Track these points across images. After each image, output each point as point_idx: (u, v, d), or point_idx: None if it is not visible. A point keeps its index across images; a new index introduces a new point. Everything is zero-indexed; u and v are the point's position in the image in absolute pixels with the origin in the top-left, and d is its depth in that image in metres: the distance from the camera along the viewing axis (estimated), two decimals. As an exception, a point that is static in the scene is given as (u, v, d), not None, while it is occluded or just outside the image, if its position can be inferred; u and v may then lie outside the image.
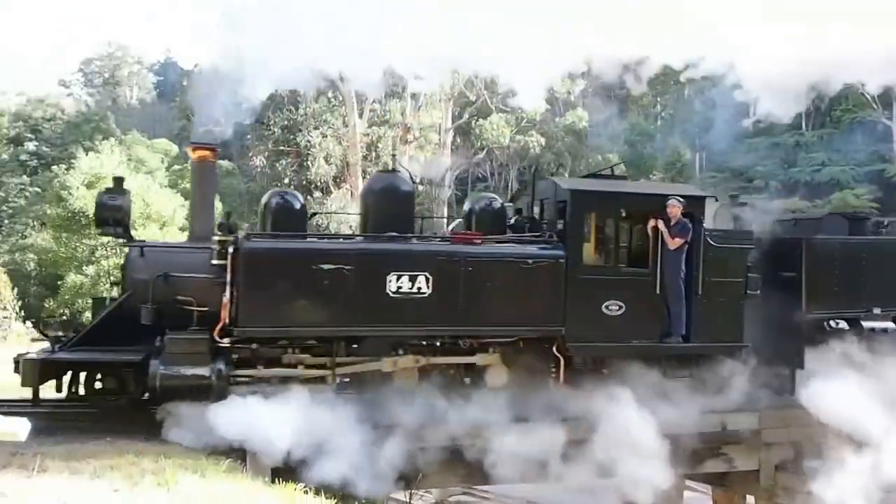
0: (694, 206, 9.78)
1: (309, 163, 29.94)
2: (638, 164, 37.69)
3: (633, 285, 9.54)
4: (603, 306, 9.38)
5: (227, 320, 8.25)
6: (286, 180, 30.63)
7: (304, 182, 30.45)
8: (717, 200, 10.84)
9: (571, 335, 9.22)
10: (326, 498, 7.55)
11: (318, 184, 30.36)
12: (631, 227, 10.05)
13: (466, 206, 10.42)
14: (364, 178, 29.19)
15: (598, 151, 36.77)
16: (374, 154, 30.41)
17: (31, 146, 33.55)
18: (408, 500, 13.19)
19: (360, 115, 29.52)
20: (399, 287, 8.70)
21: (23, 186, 34.90)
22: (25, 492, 5.91)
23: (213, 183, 10.21)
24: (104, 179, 24.31)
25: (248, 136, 36.83)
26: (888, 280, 11.17)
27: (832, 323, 10.99)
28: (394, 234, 9.15)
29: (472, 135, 34.10)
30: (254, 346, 8.56)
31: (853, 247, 11.31)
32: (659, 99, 46.73)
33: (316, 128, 30.01)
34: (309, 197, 30.30)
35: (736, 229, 10.65)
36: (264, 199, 9.81)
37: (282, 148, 31.54)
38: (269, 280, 8.44)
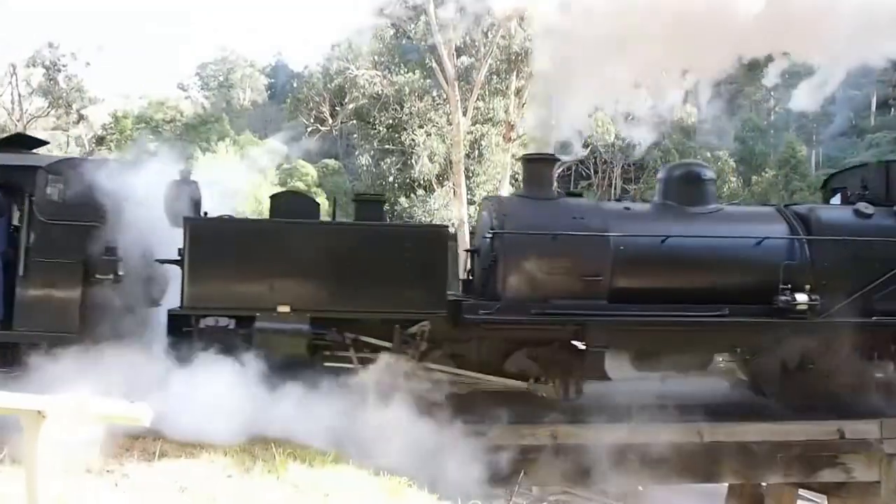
0: (19, 176, 8.72)
1: (413, 161, 30.28)
2: (749, 160, 36.33)
3: None
4: None
5: None
6: (390, 178, 31.12)
7: (408, 180, 30.83)
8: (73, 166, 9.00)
9: None
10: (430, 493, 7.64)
11: (422, 182, 30.68)
12: None
13: None
14: (468, 176, 29.31)
15: (707, 147, 35.66)
16: (477, 152, 30.48)
17: (152, 147, 35.34)
18: (509, 499, 13.16)
19: (464, 114, 29.63)
20: None
21: (145, 185, 36.49)
22: (147, 474, 6.23)
23: None
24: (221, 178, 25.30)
25: (354, 136, 37.64)
26: (308, 273, 8.93)
27: (213, 320, 8.80)
28: None
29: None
30: None
31: (251, 229, 9.26)
32: (773, 93, 44.89)
33: (420, 126, 30.31)
34: (412, 195, 30.70)
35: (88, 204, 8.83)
36: None
37: (387, 146, 32.04)
38: None
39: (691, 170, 10.70)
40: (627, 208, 10.44)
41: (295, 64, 67.67)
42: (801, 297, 9.51)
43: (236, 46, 76.40)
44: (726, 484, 12.42)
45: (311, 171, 35.41)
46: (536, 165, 10.17)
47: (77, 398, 4.48)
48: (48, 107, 36.64)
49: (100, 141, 37.02)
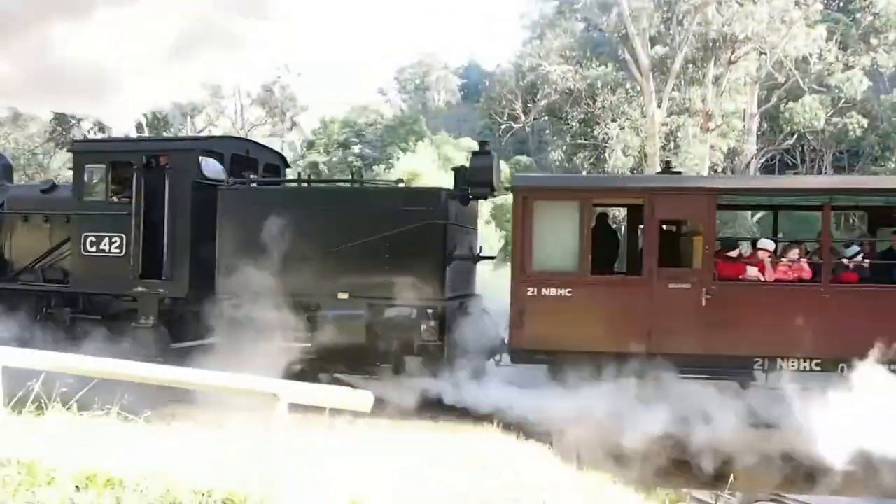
0: None
1: (607, 155, 30.05)
2: None
3: None
4: None
5: None
6: (584, 173, 31.04)
7: (602, 174, 30.58)
8: None
9: None
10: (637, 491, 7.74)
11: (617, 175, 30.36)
12: None
13: None
14: (662, 168, 28.69)
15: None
16: (673, 143, 29.72)
17: (356, 149, 37.64)
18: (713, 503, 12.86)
19: (659, 105, 29.01)
20: None
21: (349, 185, 39.07)
22: (366, 453, 6.85)
23: None
24: (419, 176, 26.64)
25: (547, 131, 37.82)
26: None
27: None
28: None
29: (781, 119, 31.83)
30: None
31: None
32: None
33: (614, 119, 30.02)
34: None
35: None
36: None
37: (579, 141, 32.01)
38: None
39: None
40: None
41: (487, 63, 68.88)
42: None
43: (432, 49, 79.00)
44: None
45: (503, 167, 36.05)
46: None
47: (307, 384, 4.99)
48: (265, 115, 40.23)
49: (310, 145, 39.99)
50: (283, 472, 4.59)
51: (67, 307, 11.63)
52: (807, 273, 9.82)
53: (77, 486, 4.68)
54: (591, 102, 30.90)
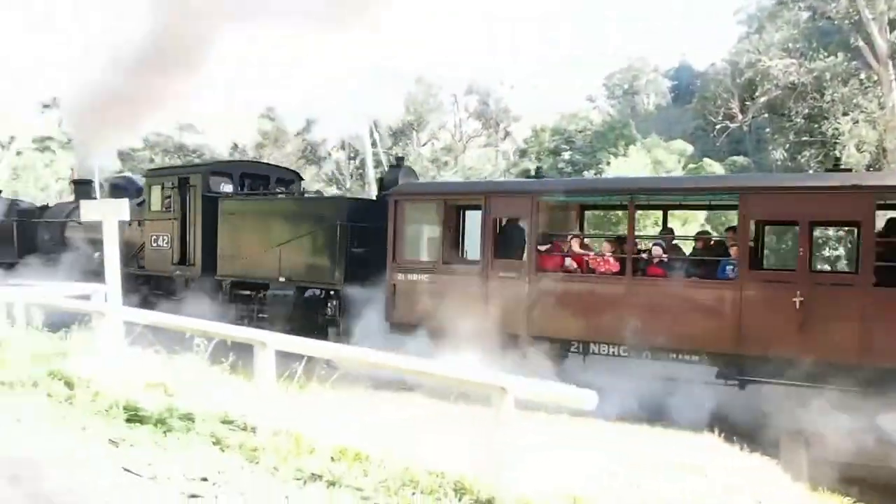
0: None
1: (837, 152, 27.87)
2: None
3: None
4: None
5: None
6: (809, 171, 29.02)
7: (817, 172, 28.40)
8: None
9: None
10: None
11: (849, 173, 28.03)
12: None
13: None
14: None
15: None
16: (919, 136, 26.97)
17: (566, 155, 37.92)
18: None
19: (902, 94, 26.49)
20: None
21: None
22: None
23: None
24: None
25: (766, 130, 35.80)
26: None
27: None
28: None
29: None
30: None
31: None
32: None
33: (845, 113, 27.78)
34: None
35: None
36: None
37: (804, 138, 29.98)
38: None
39: None
40: None
41: (698, 63, 66.47)
42: None
43: (642, 53, 77.61)
44: None
45: (717, 168, 34.66)
46: None
47: (530, 379, 5.14)
48: (481, 128, 41.95)
49: (522, 153, 40.86)
50: (509, 461, 4.77)
51: (144, 285, 16.10)
52: (615, 266, 10.84)
53: (332, 458, 5.22)
54: (817, 96, 28.82)
